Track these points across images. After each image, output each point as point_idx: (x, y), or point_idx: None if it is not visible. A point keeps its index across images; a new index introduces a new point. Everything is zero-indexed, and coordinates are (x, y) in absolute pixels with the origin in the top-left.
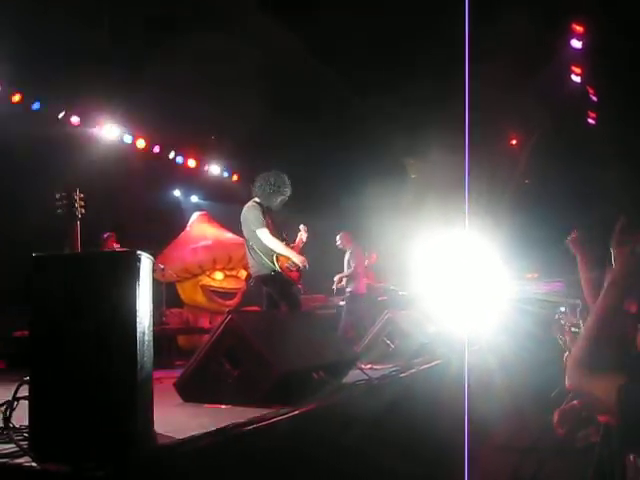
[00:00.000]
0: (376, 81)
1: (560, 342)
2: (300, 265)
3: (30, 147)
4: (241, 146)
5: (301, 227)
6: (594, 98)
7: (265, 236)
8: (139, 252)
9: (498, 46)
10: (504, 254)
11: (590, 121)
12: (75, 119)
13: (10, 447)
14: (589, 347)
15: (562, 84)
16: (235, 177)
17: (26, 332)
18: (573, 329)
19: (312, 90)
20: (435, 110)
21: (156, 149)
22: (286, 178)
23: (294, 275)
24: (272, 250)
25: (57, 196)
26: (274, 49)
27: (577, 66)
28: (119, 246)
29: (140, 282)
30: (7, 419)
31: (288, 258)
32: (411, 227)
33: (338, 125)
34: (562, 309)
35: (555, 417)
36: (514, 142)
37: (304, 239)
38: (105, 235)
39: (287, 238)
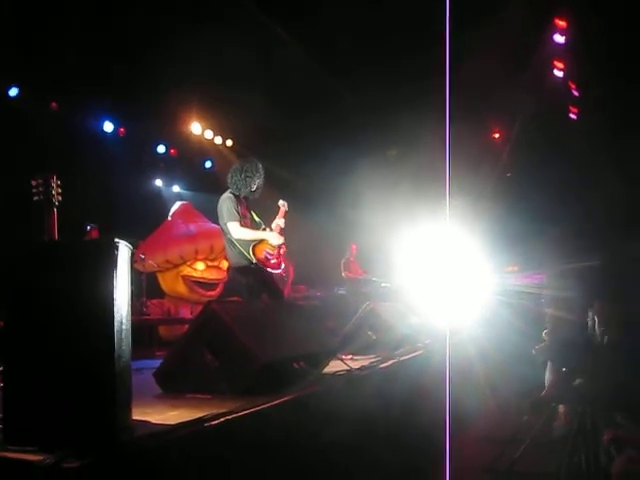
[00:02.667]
0: (361, 74)
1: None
2: (275, 243)
3: (5, 133)
4: (226, 136)
5: (280, 203)
6: (576, 93)
7: (234, 229)
8: (117, 240)
9: (482, 40)
10: (485, 247)
11: (572, 116)
12: (54, 106)
13: None
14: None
15: (544, 79)
16: (218, 167)
17: (1, 323)
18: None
19: (299, 83)
20: (418, 103)
21: (138, 138)
22: (257, 164)
23: (274, 264)
24: (248, 241)
25: (33, 183)
26: (260, 41)
27: (559, 61)
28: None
29: (118, 271)
30: None
31: (264, 246)
32: (393, 219)
33: (323, 118)
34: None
35: (528, 406)
36: (496, 135)
37: (284, 216)
38: (88, 227)
39: (266, 225)
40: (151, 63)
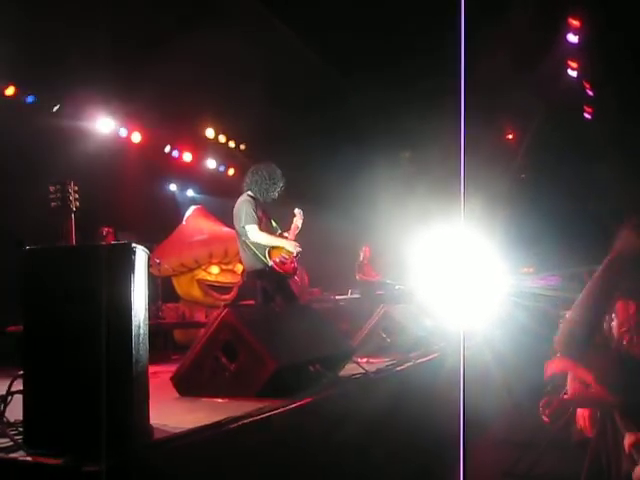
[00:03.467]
0: (373, 75)
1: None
2: (293, 251)
3: (24, 141)
4: (238, 140)
5: (296, 211)
6: (590, 93)
7: (253, 232)
8: (134, 244)
9: (495, 40)
10: (500, 248)
11: (586, 116)
12: (70, 112)
13: (4, 441)
14: (583, 320)
15: (558, 79)
16: (231, 171)
17: (20, 327)
18: None
19: (310, 85)
20: (431, 104)
21: (151, 143)
22: (279, 171)
23: (289, 268)
24: (264, 245)
25: (51, 189)
26: (270, 43)
27: (573, 61)
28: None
29: (135, 275)
30: (1, 413)
31: (280, 250)
32: (407, 220)
33: (334, 119)
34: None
35: (541, 404)
36: (510, 136)
37: (299, 225)
38: (104, 230)
39: (281, 229)
40: (163, 66)
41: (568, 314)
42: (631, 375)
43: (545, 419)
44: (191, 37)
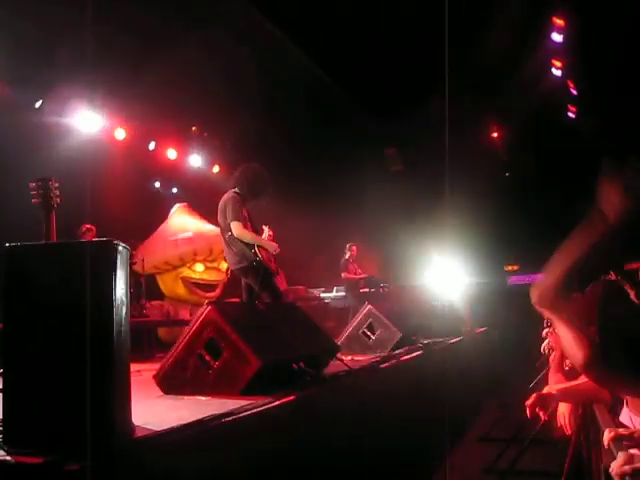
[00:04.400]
0: (361, 74)
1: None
2: (273, 252)
3: (6, 137)
4: (223, 138)
5: (264, 228)
6: (574, 92)
7: (237, 229)
8: (115, 241)
9: (480, 39)
10: (486, 246)
11: (570, 115)
12: (52, 108)
13: None
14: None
15: (543, 78)
16: (217, 169)
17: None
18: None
19: (295, 83)
20: (417, 102)
21: (135, 139)
22: (267, 176)
23: (273, 266)
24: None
25: (32, 186)
26: (258, 42)
27: (557, 59)
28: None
29: (116, 272)
30: None
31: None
32: (393, 218)
33: (319, 116)
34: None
35: (530, 399)
36: (495, 135)
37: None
38: (84, 228)
39: (262, 229)
40: (152, 64)
41: (546, 268)
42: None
43: (529, 415)
44: (178, 34)
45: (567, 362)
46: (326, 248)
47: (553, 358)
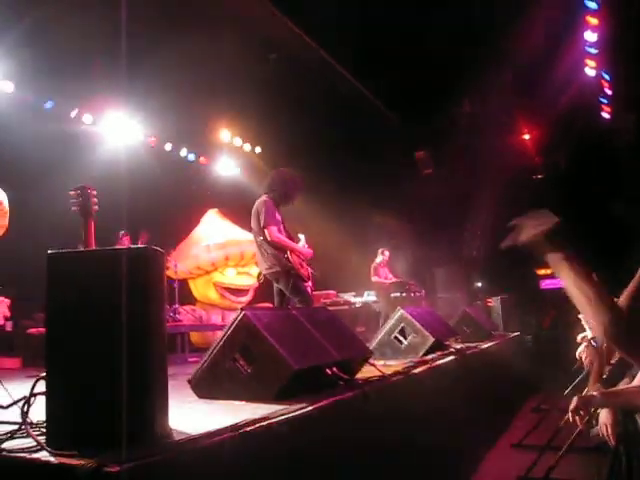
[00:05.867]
0: (386, 79)
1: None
2: (307, 256)
3: (44, 146)
4: (255, 143)
5: (300, 236)
6: (609, 91)
7: (273, 233)
8: (152, 248)
9: (512, 40)
10: (518, 249)
11: (605, 115)
12: (88, 118)
13: (28, 442)
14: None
15: (576, 78)
16: (247, 174)
17: (42, 329)
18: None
19: (322, 88)
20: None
21: (168, 146)
22: (299, 181)
23: (305, 272)
24: (282, 247)
25: (72, 194)
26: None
27: (591, 59)
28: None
29: (153, 278)
30: (25, 414)
31: (297, 254)
32: (423, 224)
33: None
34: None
35: (573, 403)
36: (528, 137)
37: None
38: (120, 233)
39: (298, 237)
40: (178, 71)
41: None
42: None
43: (572, 420)
44: (211, 43)
45: (606, 370)
46: (357, 252)
47: (593, 368)
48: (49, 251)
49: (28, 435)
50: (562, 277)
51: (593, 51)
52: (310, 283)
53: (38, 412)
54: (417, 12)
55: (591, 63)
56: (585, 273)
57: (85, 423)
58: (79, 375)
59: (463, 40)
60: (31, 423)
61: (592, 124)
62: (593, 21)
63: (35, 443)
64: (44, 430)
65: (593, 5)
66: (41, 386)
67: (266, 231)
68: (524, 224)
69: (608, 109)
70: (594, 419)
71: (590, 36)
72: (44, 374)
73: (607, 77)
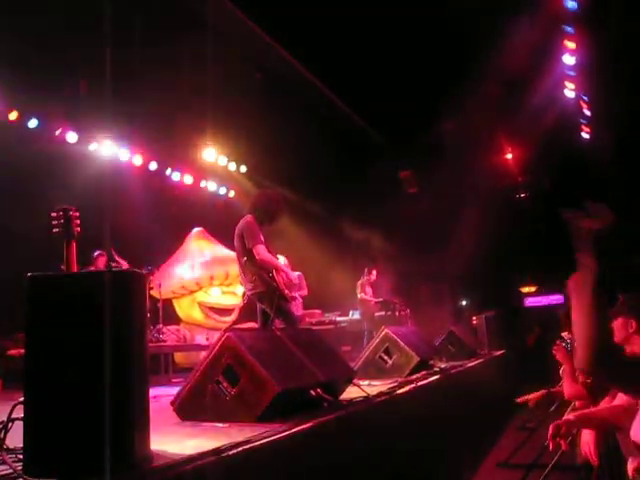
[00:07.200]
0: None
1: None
2: (294, 280)
3: (26, 165)
4: (240, 161)
5: (279, 257)
6: (587, 112)
7: (262, 253)
8: (134, 270)
9: (491, 62)
10: (503, 267)
11: (584, 135)
12: (72, 136)
13: (4, 469)
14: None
15: (556, 99)
16: (232, 193)
17: (21, 350)
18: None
19: (309, 107)
20: (432, 126)
21: (152, 166)
22: (282, 202)
23: (289, 292)
24: (268, 267)
25: (53, 215)
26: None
27: (570, 81)
28: (112, 264)
29: (135, 300)
30: (1, 440)
31: (281, 274)
32: (408, 243)
33: (332, 140)
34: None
35: (550, 430)
36: (509, 156)
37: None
38: (96, 253)
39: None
40: (163, 90)
41: (577, 334)
42: None
43: (551, 447)
44: (191, 58)
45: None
46: (343, 272)
47: (563, 371)
48: (28, 274)
49: (4, 462)
50: (578, 284)
51: (572, 73)
52: (296, 303)
53: (16, 438)
54: (401, 33)
55: (570, 85)
56: (596, 295)
57: (63, 449)
58: (58, 400)
59: (446, 61)
60: (8, 449)
61: (573, 143)
62: (570, 45)
63: (11, 470)
64: (21, 457)
65: (570, 29)
66: (19, 411)
67: (254, 250)
68: (584, 213)
69: (587, 129)
70: (577, 438)
71: (568, 59)
72: (22, 399)
73: (585, 98)
